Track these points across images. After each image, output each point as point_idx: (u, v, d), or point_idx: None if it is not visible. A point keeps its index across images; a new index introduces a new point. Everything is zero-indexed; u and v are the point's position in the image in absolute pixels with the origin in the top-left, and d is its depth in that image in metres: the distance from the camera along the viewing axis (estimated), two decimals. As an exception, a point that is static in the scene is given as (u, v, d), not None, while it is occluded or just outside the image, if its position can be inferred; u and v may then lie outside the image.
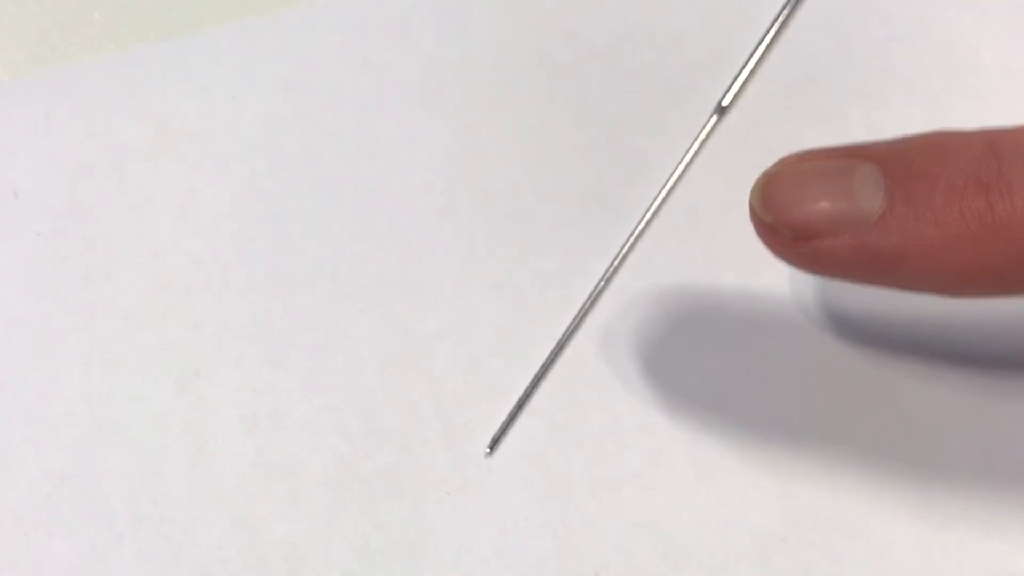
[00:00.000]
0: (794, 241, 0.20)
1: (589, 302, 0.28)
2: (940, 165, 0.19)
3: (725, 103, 0.30)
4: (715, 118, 0.30)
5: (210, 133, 0.30)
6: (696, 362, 0.28)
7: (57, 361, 0.28)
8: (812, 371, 0.28)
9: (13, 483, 0.27)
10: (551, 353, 0.28)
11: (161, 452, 0.27)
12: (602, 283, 0.28)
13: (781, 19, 0.30)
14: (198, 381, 0.28)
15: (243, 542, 0.27)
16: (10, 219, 0.30)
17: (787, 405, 0.27)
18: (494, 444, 0.27)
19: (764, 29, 0.30)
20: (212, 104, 0.30)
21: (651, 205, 0.29)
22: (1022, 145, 0.19)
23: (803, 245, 0.20)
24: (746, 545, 0.26)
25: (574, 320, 0.28)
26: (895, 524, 0.26)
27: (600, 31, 0.31)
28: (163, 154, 0.30)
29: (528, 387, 0.28)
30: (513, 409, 0.28)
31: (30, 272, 0.29)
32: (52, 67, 0.31)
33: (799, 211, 0.20)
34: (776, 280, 0.28)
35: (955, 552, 0.26)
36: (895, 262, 0.19)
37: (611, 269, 0.29)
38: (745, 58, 0.30)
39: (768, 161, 0.29)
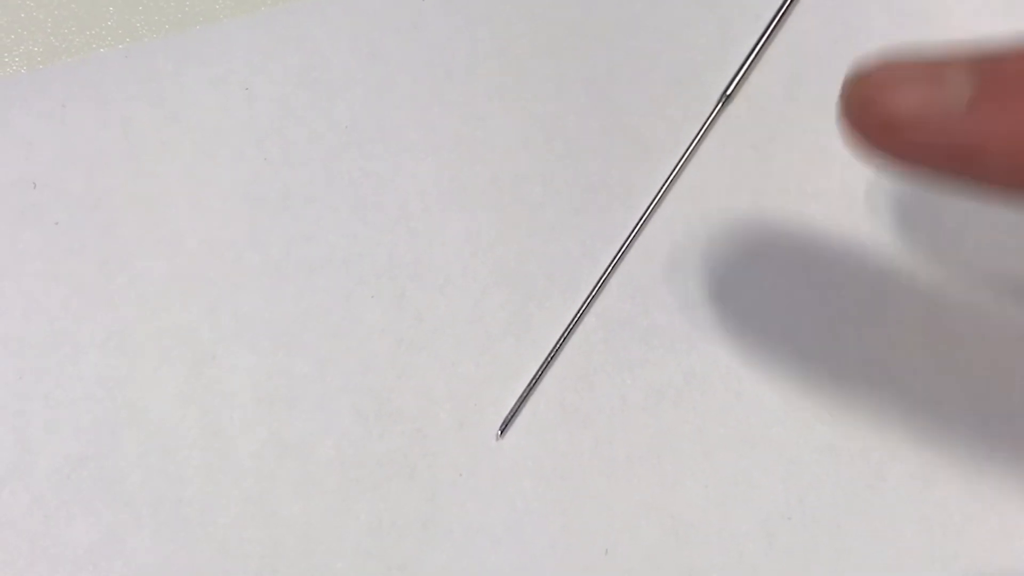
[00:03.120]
0: (881, 131, 0.20)
1: (597, 287, 0.29)
2: None
3: (729, 92, 0.30)
4: (719, 106, 0.30)
5: (224, 123, 0.30)
6: (702, 346, 0.28)
7: (75, 346, 0.29)
8: (814, 356, 0.28)
9: (33, 466, 0.28)
10: (560, 337, 0.28)
11: (178, 434, 0.28)
12: (610, 268, 0.29)
13: (784, 9, 0.30)
14: (214, 365, 0.28)
15: (258, 522, 0.27)
16: (29, 209, 0.30)
17: (790, 387, 0.28)
18: (505, 426, 0.28)
19: (767, 19, 0.31)
20: (226, 94, 0.31)
21: (657, 192, 0.29)
22: None
23: (890, 135, 0.20)
24: (752, 523, 0.27)
25: (583, 305, 0.29)
26: (898, 502, 0.27)
27: (606, 21, 0.31)
28: (178, 143, 0.30)
29: (538, 371, 0.28)
30: (523, 392, 0.28)
31: (49, 260, 0.29)
32: (68, 59, 0.31)
33: (889, 100, 0.20)
34: (779, 263, 0.29)
35: (957, 529, 0.27)
36: (978, 153, 0.19)
37: (619, 254, 0.29)
38: (748, 48, 0.30)
39: (771, 148, 0.30)
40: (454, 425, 0.28)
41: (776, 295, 0.28)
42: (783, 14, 0.31)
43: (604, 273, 0.29)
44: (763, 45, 0.30)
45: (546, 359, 0.28)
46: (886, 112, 0.19)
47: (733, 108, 0.30)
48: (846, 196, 0.29)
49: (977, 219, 0.29)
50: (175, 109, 0.31)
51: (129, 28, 0.31)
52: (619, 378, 0.28)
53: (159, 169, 0.30)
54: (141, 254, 0.29)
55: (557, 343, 0.28)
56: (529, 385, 0.28)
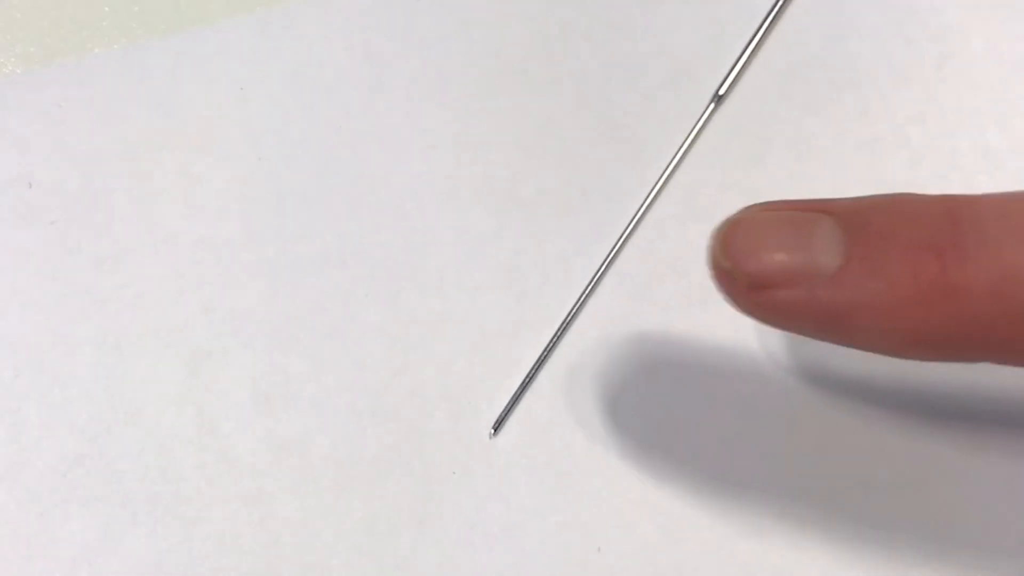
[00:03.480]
0: (749, 289, 0.20)
1: (590, 286, 0.29)
2: (899, 226, 0.19)
3: (721, 92, 0.30)
4: (712, 106, 0.30)
5: (219, 123, 0.31)
6: (696, 344, 0.28)
7: (72, 345, 0.29)
8: (810, 353, 0.28)
9: (29, 463, 0.28)
10: (553, 336, 0.28)
11: (174, 432, 0.28)
12: (603, 267, 0.29)
13: (776, 9, 0.31)
14: (209, 363, 0.29)
15: (254, 519, 0.27)
16: (25, 208, 0.30)
17: (787, 385, 0.28)
18: (498, 424, 0.28)
19: (759, 19, 0.31)
20: (221, 94, 0.31)
21: (650, 191, 0.29)
22: (981, 214, 0.19)
23: (758, 294, 0.20)
24: (745, 521, 0.27)
25: (576, 303, 0.29)
26: (894, 502, 0.27)
27: (599, 21, 0.31)
28: (173, 143, 0.31)
29: (531, 369, 0.28)
30: (517, 390, 0.28)
31: (45, 259, 0.30)
32: (64, 59, 0.31)
33: (756, 260, 0.19)
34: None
35: (955, 529, 0.26)
36: (846, 318, 0.19)
37: (612, 253, 0.29)
38: (741, 47, 0.30)
39: (764, 148, 0.30)
40: (448, 423, 0.28)
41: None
42: (776, 14, 0.31)
43: (597, 272, 0.29)
44: (756, 45, 0.30)
45: (540, 358, 0.28)
46: (753, 277, 0.19)
47: (726, 108, 0.30)
48: (839, 196, 0.29)
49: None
50: (170, 109, 0.31)
51: (124, 29, 0.32)
52: (612, 376, 0.28)
53: (155, 169, 0.30)
54: (137, 253, 0.30)
55: (551, 342, 0.28)
56: (523, 384, 0.28)
